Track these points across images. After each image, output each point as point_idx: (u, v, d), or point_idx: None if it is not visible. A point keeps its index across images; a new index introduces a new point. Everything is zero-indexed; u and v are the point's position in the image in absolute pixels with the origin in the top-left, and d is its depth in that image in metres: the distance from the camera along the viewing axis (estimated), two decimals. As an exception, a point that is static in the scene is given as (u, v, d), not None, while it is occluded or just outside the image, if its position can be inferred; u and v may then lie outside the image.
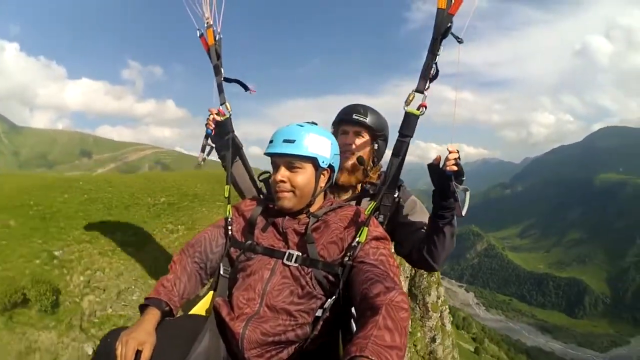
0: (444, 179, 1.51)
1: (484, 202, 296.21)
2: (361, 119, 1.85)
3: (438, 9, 1.55)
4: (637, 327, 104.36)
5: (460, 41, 1.56)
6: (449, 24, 1.54)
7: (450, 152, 1.51)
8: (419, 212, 1.85)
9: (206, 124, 1.98)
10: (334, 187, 1.89)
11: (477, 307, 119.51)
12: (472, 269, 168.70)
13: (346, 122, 1.91)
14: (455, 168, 1.48)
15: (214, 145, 2.01)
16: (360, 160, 1.84)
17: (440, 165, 1.53)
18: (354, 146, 1.89)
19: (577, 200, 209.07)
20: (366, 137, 1.89)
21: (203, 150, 2.00)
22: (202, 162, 2.04)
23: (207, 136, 1.97)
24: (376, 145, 1.90)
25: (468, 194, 1.49)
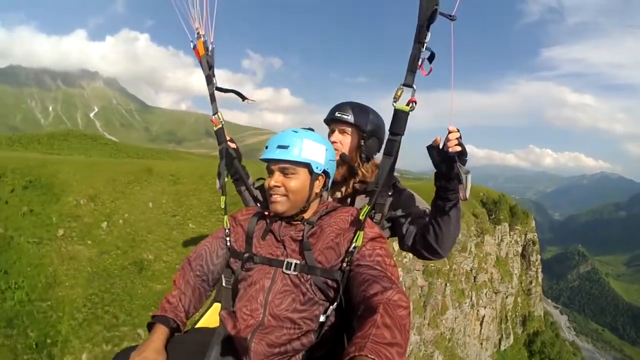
0: (447, 161, 1.47)
1: (595, 220, 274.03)
2: (343, 117, 1.84)
3: None
4: None
5: (452, 18, 1.45)
6: (435, 7, 1.41)
7: (450, 132, 1.45)
8: (419, 203, 1.82)
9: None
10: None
11: (568, 331, 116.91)
12: (571, 291, 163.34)
13: (331, 121, 1.90)
14: (458, 148, 1.43)
15: None
16: (343, 157, 1.83)
17: (441, 146, 1.48)
18: (338, 144, 1.87)
19: None
20: (352, 134, 1.86)
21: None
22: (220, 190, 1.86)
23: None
24: (363, 142, 1.85)
25: (469, 176, 1.41)
